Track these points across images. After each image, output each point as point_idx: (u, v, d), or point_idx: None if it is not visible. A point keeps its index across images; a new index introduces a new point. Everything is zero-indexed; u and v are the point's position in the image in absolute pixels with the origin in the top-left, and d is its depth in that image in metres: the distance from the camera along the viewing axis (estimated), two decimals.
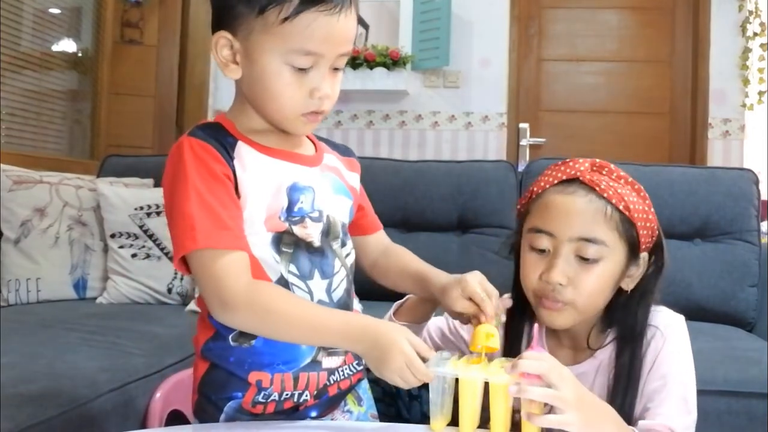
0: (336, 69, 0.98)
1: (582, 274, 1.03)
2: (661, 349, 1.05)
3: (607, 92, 3.96)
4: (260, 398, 0.98)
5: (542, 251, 1.06)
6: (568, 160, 1.10)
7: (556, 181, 1.08)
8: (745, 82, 3.71)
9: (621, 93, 3.95)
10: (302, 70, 0.94)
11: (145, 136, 3.72)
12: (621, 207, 1.03)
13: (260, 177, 0.97)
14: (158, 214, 2.28)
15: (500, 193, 2.46)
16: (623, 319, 1.08)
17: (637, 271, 1.08)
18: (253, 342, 0.97)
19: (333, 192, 1.05)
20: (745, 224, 2.27)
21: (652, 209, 1.07)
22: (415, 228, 2.45)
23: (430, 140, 3.96)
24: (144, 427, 1.38)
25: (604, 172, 1.07)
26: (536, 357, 0.88)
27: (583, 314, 1.06)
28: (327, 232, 1.02)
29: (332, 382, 1.03)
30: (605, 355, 1.08)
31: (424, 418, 1.25)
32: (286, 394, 0.99)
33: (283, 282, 0.97)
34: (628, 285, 1.08)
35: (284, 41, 0.92)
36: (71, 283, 2.26)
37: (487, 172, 2.51)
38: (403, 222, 2.44)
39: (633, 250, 1.05)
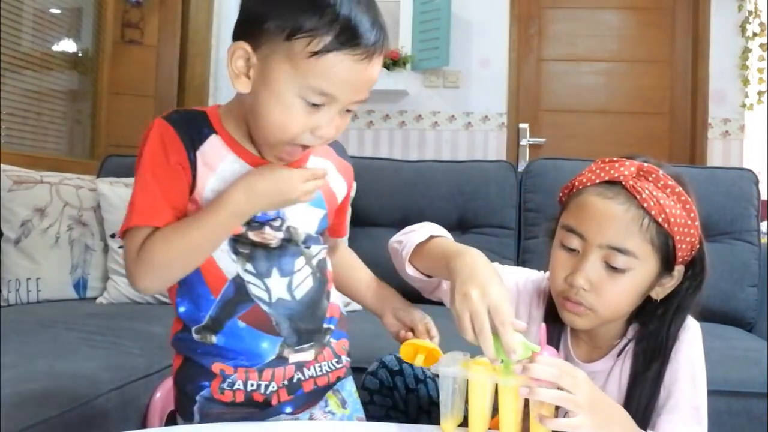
0: (348, 110, 0.95)
1: (607, 282, 1.00)
2: (679, 356, 1.04)
3: (607, 92, 3.97)
4: (225, 386, 1.00)
5: (572, 250, 1.03)
6: (615, 159, 1.04)
7: (598, 181, 1.03)
8: (745, 82, 3.71)
9: (621, 93, 3.95)
10: (314, 105, 0.90)
11: None
12: (660, 219, 0.98)
13: (222, 177, 0.95)
14: None
15: (500, 193, 2.46)
16: (656, 330, 1.05)
17: (671, 282, 1.05)
18: (214, 339, 0.99)
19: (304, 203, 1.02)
20: (745, 224, 2.27)
21: (697, 222, 1.02)
22: None
23: (430, 140, 3.96)
24: (144, 426, 1.39)
25: (650, 179, 1.00)
26: (548, 362, 0.87)
27: (604, 320, 1.04)
28: (288, 239, 1.01)
29: (307, 377, 1.04)
30: (623, 356, 1.07)
31: (421, 412, 1.26)
32: (252, 384, 1.00)
33: (239, 281, 0.99)
34: (658, 294, 1.05)
35: (304, 75, 0.88)
36: (71, 283, 2.26)
37: (487, 172, 2.51)
38: (402, 222, 2.41)
39: (667, 262, 1.02)
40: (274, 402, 1.02)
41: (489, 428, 0.93)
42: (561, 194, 1.12)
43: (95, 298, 2.25)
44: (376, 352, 1.34)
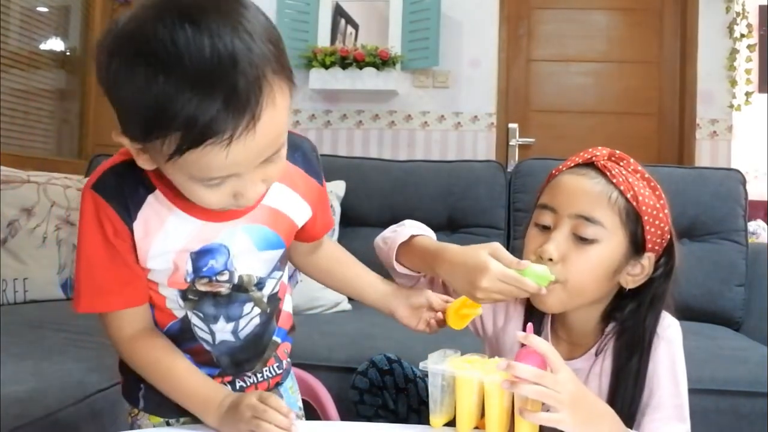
0: (267, 161, 0.81)
1: (575, 253, 1.02)
2: (660, 353, 1.04)
3: (596, 93, 3.98)
4: None
5: (545, 228, 1.06)
6: (590, 148, 1.10)
7: (572, 164, 1.09)
8: (733, 83, 3.73)
9: (609, 93, 3.97)
10: (217, 184, 0.80)
11: None
12: (629, 196, 1.02)
13: (165, 240, 0.90)
14: None
15: (490, 193, 2.46)
16: (633, 325, 1.06)
17: (642, 273, 1.06)
18: None
19: (256, 248, 0.96)
20: (733, 224, 2.28)
21: (667, 211, 1.06)
22: None
23: (419, 140, 3.96)
24: (132, 428, 1.38)
25: (621, 163, 1.06)
26: (538, 343, 0.88)
27: (574, 297, 1.05)
28: (239, 287, 0.98)
29: (248, 383, 1.06)
30: (602, 353, 1.08)
31: (411, 411, 1.26)
32: None
33: (186, 321, 0.98)
34: (629, 283, 1.07)
35: (183, 170, 0.78)
36: (59, 283, 2.24)
37: (477, 172, 2.52)
38: (392, 222, 2.39)
39: (636, 244, 1.04)
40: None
41: (477, 426, 0.93)
42: (538, 193, 1.14)
43: None
44: (365, 352, 1.35)
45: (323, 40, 3.75)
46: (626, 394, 1.03)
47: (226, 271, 0.94)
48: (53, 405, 1.27)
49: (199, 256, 0.92)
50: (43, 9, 3.41)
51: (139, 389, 1.02)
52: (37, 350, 1.54)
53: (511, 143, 3.84)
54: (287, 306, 1.11)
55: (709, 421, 1.64)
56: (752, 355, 1.81)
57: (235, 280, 0.96)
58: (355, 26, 3.90)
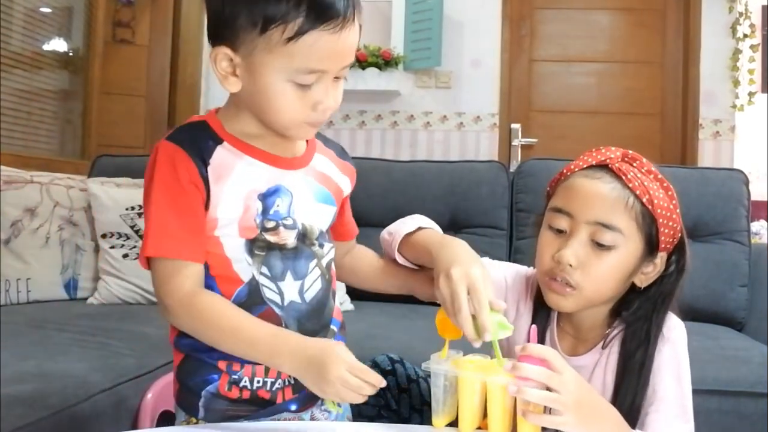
0: (338, 78, 0.97)
1: (593, 260, 1.02)
2: (664, 354, 1.04)
3: (599, 93, 3.98)
4: (232, 382, 1.00)
5: (560, 231, 1.06)
6: (602, 147, 1.09)
7: (585, 166, 1.07)
8: (736, 83, 3.73)
9: (612, 94, 3.97)
10: (306, 85, 0.93)
11: (136, 136, 3.71)
12: (644, 200, 1.02)
13: (235, 183, 0.97)
14: None
15: (492, 194, 2.46)
16: (640, 321, 1.06)
17: (654, 270, 1.07)
18: None
19: (314, 199, 1.05)
20: (735, 224, 2.28)
21: (678, 211, 1.06)
22: None
23: (421, 140, 3.97)
24: (135, 428, 1.38)
25: (634, 164, 1.05)
26: (539, 351, 0.88)
27: (589, 301, 1.05)
28: (303, 237, 1.02)
29: None
30: (608, 350, 1.08)
31: (413, 411, 1.26)
32: (258, 381, 1.01)
33: (254, 283, 0.99)
34: (642, 282, 1.07)
35: (288, 61, 0.91)
36: (62, 284, 2.25)
37: (479, 172, 2.52)
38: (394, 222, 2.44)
39: (650, 245, 1.04)
40: (279, 400, 1.02)
41: (480, 426, 0.93)
42: (548, 187, 1.14)
43: (86, 299, 2.24)
44: (367, 353, 1.35)
45: None
46: (630, 388, 1.03)
47: (289, 218, 1.00)
48: (56, 405, 1.27)
49: (266, 197, 0.99)
50: (46, 10, 3.41)
51: (198, 398, 1.01)
52: (39, 350, 1.55)
53: (513, 143, 3.84)
54: (337, 299, 1.12)
55: (711, 421, 1.64)
56: (755, 355, 1.81)
57: (299, 227, 1.01)
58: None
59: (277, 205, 0.99)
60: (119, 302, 2.21)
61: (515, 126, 3.85)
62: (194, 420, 1.03)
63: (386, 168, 2.56)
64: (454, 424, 0.95)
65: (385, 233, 1.19)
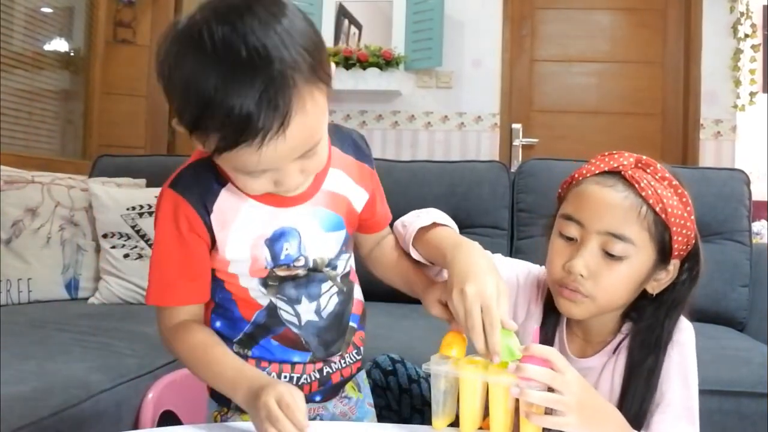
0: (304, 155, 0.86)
1: (604, 270, 1.01)
2: (673, 356, 1.04)
3: (599, 93, 3.98)
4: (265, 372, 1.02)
5: (570, 239, 1.04)
6: (614, 152, 1.06)
7: (597, 171, 1.05)
8: (737, 83, 3.73)
9: (613, 94, 3.97)
10: (258, 173, 0.86)
11: (137, 136, 3.71)
12: (657, 209, 0.99)
13: (239, 229, 0.96)
14: (150, 214, 2.27)
15: (493, 194, 2.46)
16: (651, 326, 1.05)
17: (667, 277, 1.05)
18: (249, 353, 1.03)
19: (323, 230, 1.02)
20: (737, 224, 2.28)
21: (692, 217, 1.04)
22: None
23: (422, 140, 3.97)
24: (136, 427, 1.38)
25: (648, 171, 1.02)
26: (542, 352, 0.87)
27: (601, 309, 1.04)
28: (314, 269, 1.02)
29: (334, 369, 1.08)
30: (616, 353, 1.08)
31: (414, 411, 1.26)
32: (285, 376, 1.03)
33: (272, 306, 1.01)
34: (654, 288, 1.06)
35: (225, 164, 0.87)
36: (63, 284, 2.25)
37: (480, 172, 2.52)
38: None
39: (663, 254, 1.03)
40: (306, 391, 1.04)
41: (481, 427, 0.93)
42: (560, 189, 1.12)
43: (87, 299, 2.25)
44: (369, 353, 1.34)
45: (327, 41, 3.73)
46: (638, 393, 1.03)
47: (301, 257, 1.00)
48: (57, 405, 1.27)
49: (274, 242, 0.98)
50: (47, 10, 3.41)
51: None
52: (40, 350, 1.55)
53: (514, 143, 3.84)
54: (357, 293, 1.13)
55: (711, 421, 1.64)
56: (756, 355, 1.81)
57: (310, 264, 1.01)
58: (359, 26, 3.91)
59: (286, 249, 0.99)
60: (120, 302, 2.21)
61: (516, 126, 3.85)
62: (225, 410, 1.06)
63: (387, 168, 2.55)
64: (455, 424, 0.95)
65: (398, 224, 1.18)
